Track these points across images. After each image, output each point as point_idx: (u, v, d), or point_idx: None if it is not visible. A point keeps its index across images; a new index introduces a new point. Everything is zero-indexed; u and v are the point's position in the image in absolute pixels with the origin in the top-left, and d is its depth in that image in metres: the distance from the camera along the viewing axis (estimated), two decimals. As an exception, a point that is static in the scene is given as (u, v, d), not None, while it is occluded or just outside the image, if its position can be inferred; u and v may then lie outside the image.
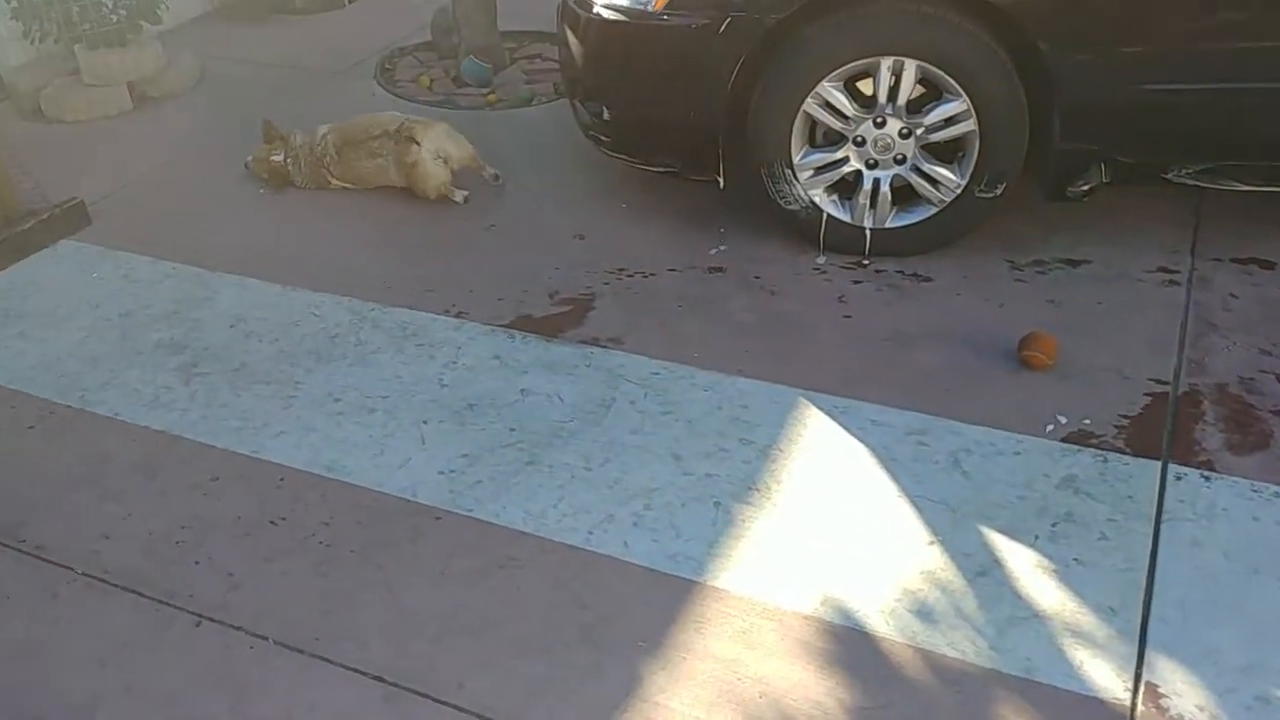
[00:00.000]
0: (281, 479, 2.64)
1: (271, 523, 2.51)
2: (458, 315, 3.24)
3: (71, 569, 2.41)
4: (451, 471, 2.63)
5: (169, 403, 2.93)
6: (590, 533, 2.42)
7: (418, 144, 3.81)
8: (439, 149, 3.84)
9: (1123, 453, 2.57)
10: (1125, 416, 2.68)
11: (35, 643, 2.24)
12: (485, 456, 2.67)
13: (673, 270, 3.41)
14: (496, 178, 3.96)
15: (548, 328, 3.15)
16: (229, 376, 3.02)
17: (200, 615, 2.28)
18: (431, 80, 4.99)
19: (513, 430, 2.75)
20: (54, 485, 2.67)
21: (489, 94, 4.80)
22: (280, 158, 4.01)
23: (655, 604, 2.24)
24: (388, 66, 5.20)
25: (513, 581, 2.32)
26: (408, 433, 2.76)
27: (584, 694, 2.06)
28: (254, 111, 4.38)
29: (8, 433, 2.86)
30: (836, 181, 3.33)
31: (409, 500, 2.55)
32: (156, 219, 3.90)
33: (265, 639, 2.22)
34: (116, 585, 2.36)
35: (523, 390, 2.90)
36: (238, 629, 2.24)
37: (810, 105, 3.18)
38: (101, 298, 3.44)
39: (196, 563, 2.41)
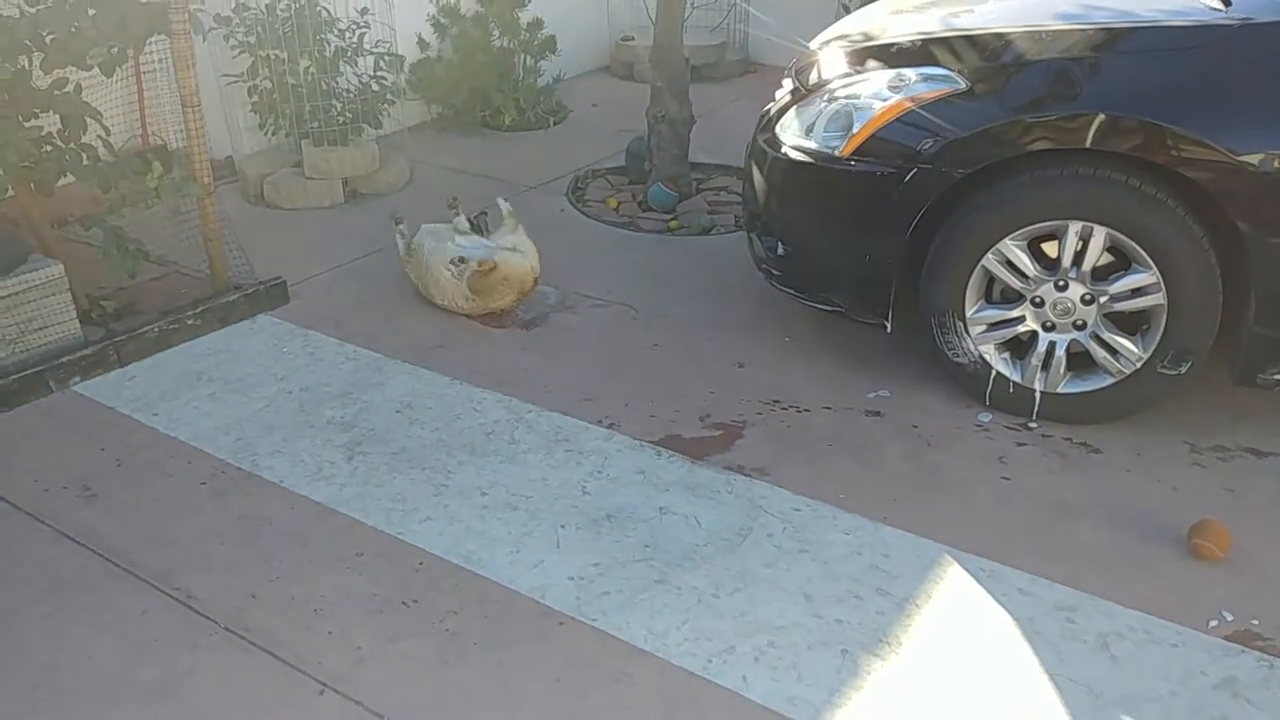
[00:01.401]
0: (421, 563, 2.72)
1: (404, 604, 2.57)
2: (609, 426, 3.29)
3: (215, 622, 2.53)
4: (582, 579, 2.64)
5: (330, 476, 3.07)
6: (710, 661, 2.37)
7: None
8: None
9: (1293, 661, 2.36)
10: (1300, 623, 2.47)
11: (170, 688, 2.35)
12: (616, 569, 2.67)
13: (828, 408, 3.38)
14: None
15: (695, 449, 3.16)
16: (388, 459, 3.15)
17: (325, 685, 2.34)
18: (619, 202, 5.21)
19: (647, 546, 2.75)
20: (213, 540, 2.82)
21: (671, 220, 4.97)
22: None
23: (767, 746, 2.16)
24: (579, 186, 5.46)
25: (625, 699, 2.28)
26: (545, 534, 2.80)
27: (682, 829, 2.00)
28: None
29: (181, 485, 3.06)
30: (1009, 339, 3.26)
31: (537, 601, 2.57)
32: (348, 305, 4.18)
33: (380, 717, 2.25)
34: (254, 644, 2.46)
35: (661, 508, 2.90)
36: (357, 703, 2.29)
37: (990, 261, 3.15)
38: (287, 371, 3.68)
39: (330, 632, 2.49)
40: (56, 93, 3.64)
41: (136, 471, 3.12)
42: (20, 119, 3.61)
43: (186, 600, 2.60)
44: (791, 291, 3.62)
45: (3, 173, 3.57)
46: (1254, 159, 2.80)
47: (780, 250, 3.55)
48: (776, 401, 3.43)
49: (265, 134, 5.38)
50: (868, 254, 3.31)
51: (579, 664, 2.38)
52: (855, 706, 2.25)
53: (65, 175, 3.72)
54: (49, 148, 3.65)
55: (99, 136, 3.80)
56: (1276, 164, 2.79)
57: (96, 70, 3.69)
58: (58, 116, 3.67)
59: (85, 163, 3.70)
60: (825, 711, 2.24)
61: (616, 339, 3.89)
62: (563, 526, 2.84)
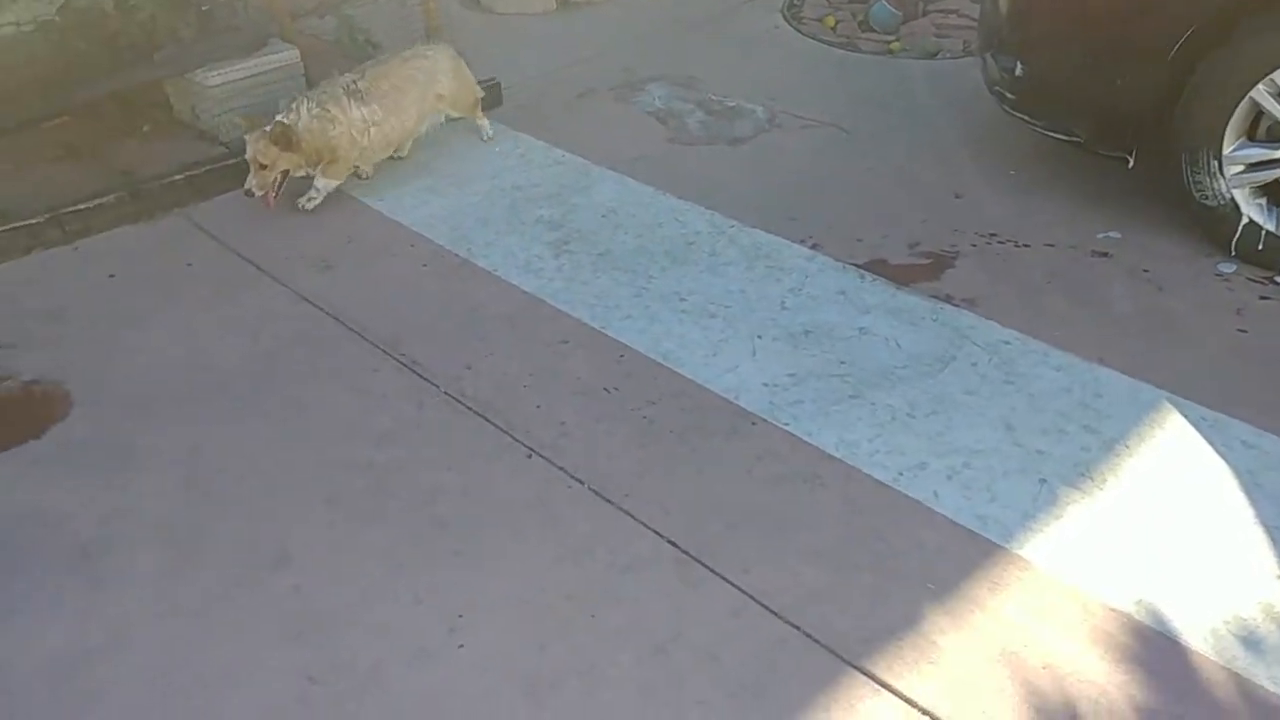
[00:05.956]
0: (622, 355, 2.80)
1: (605, 390, 2.67)
2: (813, 246, 3.24)
3: (437, 386, 2.72)
4: (776, 386, 2.66)
5: (539, 270, 3.18)
6: (900, 474, 2.38)
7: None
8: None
9: None
10: None
11: (398, 436, 2.56)
12: (811, 380, 2.68)
13: (1050, 245, 3.21)
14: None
15: (901, 275, 3.09)
16: (593, 259, 3.22)
17: (532, 450, 2.49)
18: (837, 21, 4.97)
19: (843, 363, 2.74)
20: (434, 316, 2.99)
21: (893, 42, 4.72)
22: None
23: (953, 555, 2.17)
24: (796, 2, 5.23)
25: (814, 497, 2.33)
26: (741, 343, 2.83)
27: (862, 611, 2.06)
28: (663, 24, 4.54)
29: (405, 265, 3.24)
30: (1268, 184, 2.97)
31: (730, 401, 2.62)
32: (557, 110, 4.21)
33: (582, 483, 2.39)
34: (469, 408, 2.63)
35: (861, 329, 2.87)
36: (560, 469, 2.43)
37: (1260, 92, 2.84)
38: (499, 170, 3.77)
39: (537, 406, 2.63)
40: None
41: (364, 250, 3.33)
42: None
43: (411, 365, 2.79)
44: (1026, 118, 3.39)
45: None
46: None
47: (1018, 71, 3.30)
48: (994, 235, 3.28)
49: (486, -63, 5.36)
50: (1119, 79, 3.04)
51: (770, 460, 2.43)
52: (1049, 532, 2.22)
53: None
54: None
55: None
56: None
57: None
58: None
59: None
60: (1018, 533, 2.22)
61: (826, 160, 3.78)
62: (759, 337, 2.85)
